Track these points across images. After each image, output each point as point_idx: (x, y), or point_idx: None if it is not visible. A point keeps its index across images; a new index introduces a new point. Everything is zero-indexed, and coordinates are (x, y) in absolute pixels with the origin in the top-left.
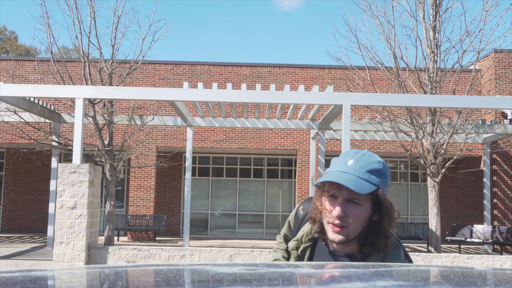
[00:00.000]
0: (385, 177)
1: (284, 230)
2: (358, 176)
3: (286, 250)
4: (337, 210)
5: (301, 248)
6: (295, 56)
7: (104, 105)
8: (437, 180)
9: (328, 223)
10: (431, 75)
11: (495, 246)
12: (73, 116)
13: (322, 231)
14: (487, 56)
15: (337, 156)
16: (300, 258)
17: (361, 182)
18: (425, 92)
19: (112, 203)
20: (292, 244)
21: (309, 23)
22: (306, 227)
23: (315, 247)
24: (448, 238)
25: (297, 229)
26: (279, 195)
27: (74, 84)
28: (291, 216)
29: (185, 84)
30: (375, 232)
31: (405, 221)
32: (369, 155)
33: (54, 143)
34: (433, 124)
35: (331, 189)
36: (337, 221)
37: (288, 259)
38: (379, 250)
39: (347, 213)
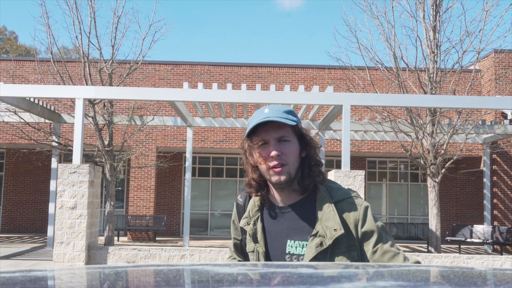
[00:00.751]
0: (297, 116)
1: (233, 235)
2: (279, 116)
3: (239, 248)
4: (273, 151)
5: (252, 221)
6: (295, 56)
7: (104, 105)
8: (437, 180)
9: (268, 169)
10: (431, 75)
11: (495, 246)
12: (73, 117)
13: (261, 187)
14: (487, 56)
15: (336, 156)
16: (254, 230)
17: (285, 118)
18: (425, 92)
19: (112, 203)
20: (243, 222)
21: (309, 23)
22: (250, 203)
23: (263, 216)
24: (448, 238)
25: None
26: None
27: (74, 85)
28: (234, 214)
29: (185, 84)
30: (308, 164)
31: (405, 221)
32: (277, 104)
33: (54, 144)
34: (433, 124)
35: (261, 137)
36: (275, 162)
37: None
38: (317, 179)
39: (282, 151)
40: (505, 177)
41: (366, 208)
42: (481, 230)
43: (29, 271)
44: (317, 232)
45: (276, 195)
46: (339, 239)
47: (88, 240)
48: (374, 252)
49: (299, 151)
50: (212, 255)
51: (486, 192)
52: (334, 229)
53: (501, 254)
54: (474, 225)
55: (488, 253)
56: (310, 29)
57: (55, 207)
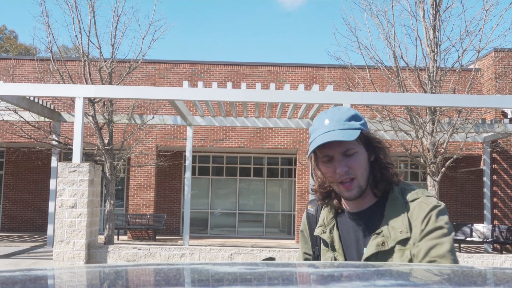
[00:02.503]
0: (361, 119)
1: (302, 249)
2: (340, 129)
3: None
4: (340, 168)
5: (328, 229)
6: (295, 55)
7: (104, 104)
8: (437, 179)
9: (338, 184)
10: (431, 74)
11: (495, 245)
12: (73, 115)
13: (331, 197)
14: (487, 55)
15: None
16: (331, 238)
17: (346, 131)
18: (425, 91)
19: (112, 202)
20: (318, 230)
21: (309, 22)
22: (323, 213)
23: (338, 224)
24: None
25: (315, 227)
26: (279, 194)
27: (74, 83)
28: (303, 225)
29: (185, 83)
30: (378, 167)
31: None
32: (337, 108)
33: (54, 142)
34: (433, 123)
35: (324, 153)
36: (344, 177)
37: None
38: (391, 180)
39: (349, 165)
40: (505, 176)
41: (433, 208)
42: (481, 229)
43: (29, 270)
44: (381, 231)
45: (348, 203)
46: (402, 241)
47: (88, 239)
48: (424, 256)
49: (367, 157)
50: (212, 254)
51: (486, 191)
52: (400, 231)
53: (501, 253)
54: (474, 224)
55: (488, 252)
56: (310, 28)
57: (55, 206)
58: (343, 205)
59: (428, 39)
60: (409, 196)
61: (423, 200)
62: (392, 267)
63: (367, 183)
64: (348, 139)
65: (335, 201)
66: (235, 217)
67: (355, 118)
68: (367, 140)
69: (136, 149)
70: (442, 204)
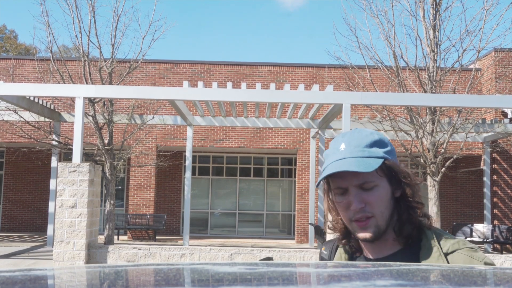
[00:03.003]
0: (387, 145)
1: None
2: (357, 156)
3: None
4: (354, 204)
5: None
6: (295, 55)
7: (104, 104)
8: (437, 179)
9: (351, 221)
10: (431, 74)
11: (495, 245)
12: (73, 115)
13: (348, 237)
14: (487, 55)
15: None
16: None
17: (363, 160)
18: (425, 91)
19: (112, 202)
20: None
21: (309, 22)
22: (337, 254)
23: None
24: None
25: None
26: (279, 194)
27: (74, 83)
28: None
29: (185, 83)
30: (405, 206)
31: None
32: (358, 131)
33: (54, 142)
34: (433, 123)
35: (337, 184)
36: (359, 215)
37: None
38: (419, 224)
39: (366, 200)
40: (505, 176)
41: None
42: (481, 229)
43: (29, 270)
44: None
45: (365, 246)
46: None
47: (88, 239)
48: None
49: (391, 192)
50: (212, 254)
51: (486, 191)
52: None
53: (501, 253)
54: (474, 224)
55: (488, 252)
56: (310, 28)
57: (55, 206)
58: (362, 248)
59: (428, 39)
60: (448, 246)
61: (470, 254)
62: (392, 267)
63: (388, 224)
64: (364, 170)
65: (353, 243)
66: (235, 217)
67: (378, 144)
68: (392, 173)
69: (136, 149)
70: (492, 261)
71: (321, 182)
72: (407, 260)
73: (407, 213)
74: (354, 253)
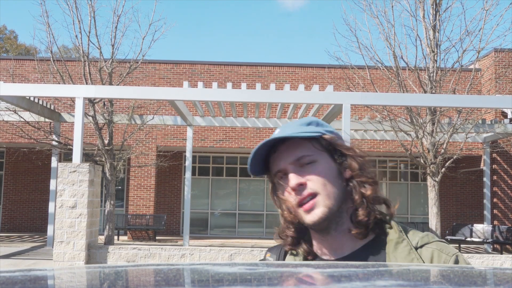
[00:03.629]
0: (326, 126)
1: None
2: (287, 133)
3: None
4: (292, 180)
5: None
6: (295, 55)
7: (104, 104)
8: (437, 179)
9: (297, 206)
10: (431, 75)
11: (495, 246)
12: (73, 116)
13: (301, 235)
14: (487, 55)
15: None
16: None
17: (297, 133)
18: (425, 92)
19: (112, 202)
20: None
21: (309, 22)
22: (288, 259)
23: None
24: (448, 237)
25: None
26: None
27: (74, 84)
28: None
29: (185, 83)
30: (354, 185)
31: (405, 220)
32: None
33: (54, 143)
34: (433, 124)
35: (275, 168)
36: (300, 194)
37: None
38: (372, 209)
39: (306, 177)
40: (505, 176)
41: (456, 260)
42: (481, 229)
43: (29, 271)
44: None
45: (322, 243)
46: None
47: (88, 239)
48: None
49: (337, 170)
50: (212, 254)
51: (486, 191)
52: None
53: (501, 253)
54: (474, 224)
55: (488, 252)
56: (310, 28)
57: (55, 206)
58: (316, 251)
59: (428, 39)
60: (417, 240)
61: (440, 248)
62: (392, 267)
63: (339, 205)
64: (292, 135)
65: (304, 245)
66: (235, 217)
67: (315, 123)
68: (332, 147)
69: (136, 150)
70: (460, 253)
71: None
72: (374, 258)
73: (359, 194)
74: (308, 254)
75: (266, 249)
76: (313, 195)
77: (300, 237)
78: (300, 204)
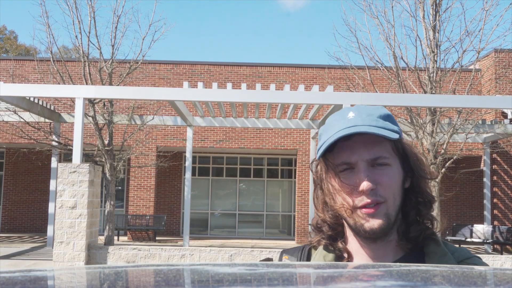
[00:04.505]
0: (397, 123)
1: None
2: (372, 125)
3: None
4: (365, 183)
5: None
6: (295, 55)
7: (104, 104)
8: (437, 180)
9: (353, 209)
10: (431, 75)
11: (495, 246)
12: (73, 116)
13: (337, 234)
14: (487, 55)
15: None
16: None
17: (381, 129)
18: (425, 92)
19: (112, 202)
20: None
21: (309, 23)
22: (317, 258)
23: None
24: (448, 237)
25: None
26: (279, 194)
27: (74, 84)
28: None
29: (185, 83)
30: (415, 201)
31: None
32: (364, 105)
33: (54, 143)
34: (433, 124)
35: (343, 159)
36: (369, 199)
37: None
38: (424, 225)
39: (378, 181)
40: (505, 177)
41: None
42: (481, 229)
43: (29, 271)
44: None
45: (361, 250)
46: None
47: (88, 239)
48: None
49: (403, 179)
50: (212, 255)
51: (486, 191)
52: None
53: (501, 254)
54: (474, 225)
55: (488, 253)
56: (310, 28)
57: (55, 206)
58: (352, 253)
59: (428, 39)
60: (458, 253)
61: (479, 263)
62: (392, 268)
63: (396, 217)
64: (387, 136)
65: (340, 244)
66: (235, 217)
67: (391, 119)
68: (405, 155)
69: (136, 150)
70: None
71: (315, 163)
72: None
73: (416, 210)
74: (340, 257)
75: (267, 250)
76: (378, 202)
77: (336, 236)
78: (361, 206)
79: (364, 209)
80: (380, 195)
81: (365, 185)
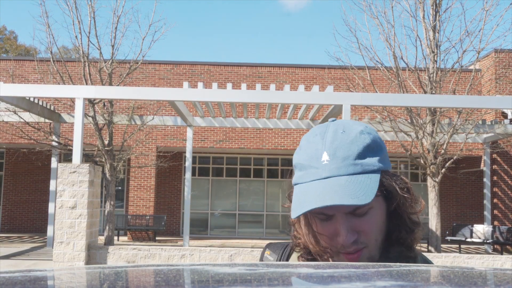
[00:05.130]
0: (381, 147)
1: None
2: (348, 174)
3: None
4: (344, 237)
5: None
6: (295, 55)
7: (104, 105)
8: (437, 180)
9: (335, 252)
10: (431, 75)
11: (495, 246)
12: (73, 116)
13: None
14: (487, 56)
15: None
16: None
17: (358, 182)
18: (425, 92)
19: (112, 203)
20: None
21: (309, 23)
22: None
23: None
24: (448, 238)
25: None
26: (279, 195)
27: (74, 84)
28: None
29: (185, 84)
30: (397, 224)
31: None
32: (341, 129)
33: (54, 143)
34: (433, 124)
35: (320, 210)
36: (350, 248)
37: None
38: (410, 247)
39: (359, 229)
40: (506, 177)
41: None
42: (481, 229)
43: (29, 271)
44: None
45: None
46: None
47: (88, 239)
48: None
49: (387, 210)
50: (212, 255)
51: (486, 191)
52: None
53: (502, 254)
54: (474, 225)
55: (489, 253)
56: (310, 28)
57: (55, 206)
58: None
59: (428, 39)
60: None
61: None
62: (392, 268)
63: (381, 250)
64: (362, 203)
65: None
66: (235, 218)
67: (371, 149)
68: (391, 190)
69: (136, 150)
70: None
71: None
72: None
73: (397, 232)
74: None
75: (265, 244)
76: (360, 249)
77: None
78: (346, 252)
79: (346, 256)
80: (362, 242)
81: (344, 239)
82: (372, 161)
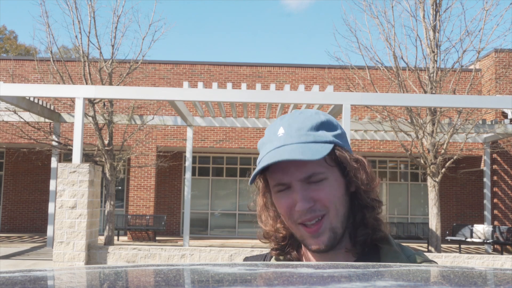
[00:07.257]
0: (336, 127)
1: None
2: (300, 142)
3: None
4: (299, 203)
5: None
6: (295, 55)
7: (104, 104)
8: (437, 180)
9: (298, 225)
10: (431, 75)
11: (495, 246)
12: (73, 116)
13: (284, 249)
14: (487, 55)
15: None
16: None
17: (308, 146)
18: (425, 92)
19: (112, 202)
20: None
21: (309, 23)
22: None
23: None
24: (449, 238)
25: None
26: None
27: (74, 84)
28: None
29: (185, 83)
30: (359, 205)
31: (405, 221)
32: (300, 112)
33: (54, 143)
34: (433, 124)
35: (277, 180)
36: (307, 216)
37: None
38: (372, 227)
39: (314, 197)
40: (506, 177)
41: None
42: (482, 229)
43: (29, 271)
44: None
45: (313, 259)
46: None
47: (88, 239)
48: None
49: (345, 185)
50: (212, 255)
51: (487, 191)
52: None
53: (502, 254)
54: (475, 225)
55: (489, 253)
56: (310, 28)
57: (55, 206)
58: (305, 260)
59: (428, 39)
60: (408, 252)
61: (427, 259)
62: (392, 268)
63: (344, 226)
64: (311, 158)
65: (293, 254)
66: (235, 217)
67: (325, 126)
68: (343, 160)
69: (136, 150)
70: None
71: (256, 179)
72: None
73: (361, 213)
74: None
75: (267, 250)
76: (321, 217)
77: (290, 244)
78: (302, 223)
79: (305, 228)
80: (319, 209)
81: (300, 206)
82: (326, 134)
